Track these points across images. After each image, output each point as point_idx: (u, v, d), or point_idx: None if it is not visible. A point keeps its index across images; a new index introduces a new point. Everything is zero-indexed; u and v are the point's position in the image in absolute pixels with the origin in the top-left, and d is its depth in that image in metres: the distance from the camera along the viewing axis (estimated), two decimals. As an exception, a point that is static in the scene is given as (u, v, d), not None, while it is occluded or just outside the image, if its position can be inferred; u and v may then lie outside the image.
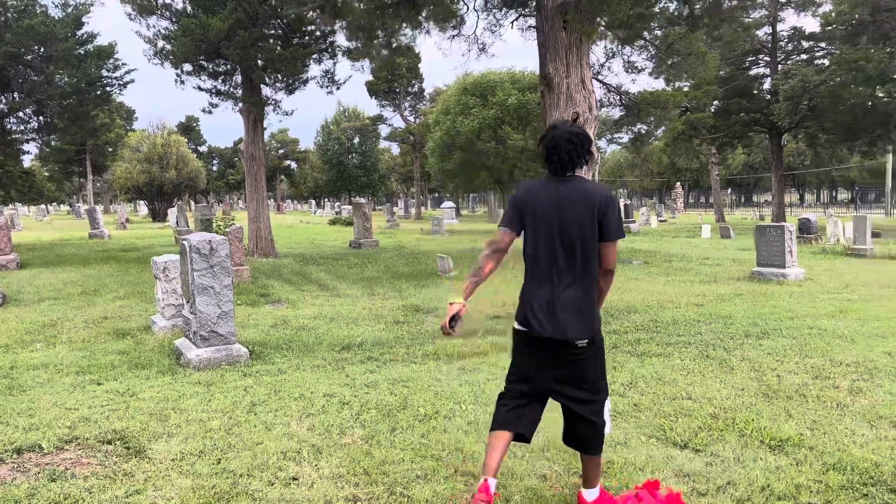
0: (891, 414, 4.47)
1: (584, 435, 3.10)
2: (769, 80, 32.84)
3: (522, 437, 3.12)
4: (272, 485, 3.60)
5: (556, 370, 3.04)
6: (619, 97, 19.67)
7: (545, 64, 8.50)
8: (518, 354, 3.16)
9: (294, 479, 3.68)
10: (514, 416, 3.10)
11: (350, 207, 36.72)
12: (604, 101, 19.71)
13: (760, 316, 8.32)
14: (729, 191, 72.24)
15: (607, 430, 3.11)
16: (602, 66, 18.76)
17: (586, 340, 2.98)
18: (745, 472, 3.58)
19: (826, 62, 29.35)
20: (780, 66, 32.43)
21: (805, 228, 21.17)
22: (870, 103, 27.07)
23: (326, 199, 69.98)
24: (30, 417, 4.77)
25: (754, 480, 3.47)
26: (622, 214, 2.93)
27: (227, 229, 13.03)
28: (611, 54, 17.94)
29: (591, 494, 3.16)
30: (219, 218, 23.33)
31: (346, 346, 7.10)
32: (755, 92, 32.73)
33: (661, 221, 39.43)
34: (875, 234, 19.36)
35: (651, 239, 24.83)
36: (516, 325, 3.11)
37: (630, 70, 17.94)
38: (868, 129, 28.54)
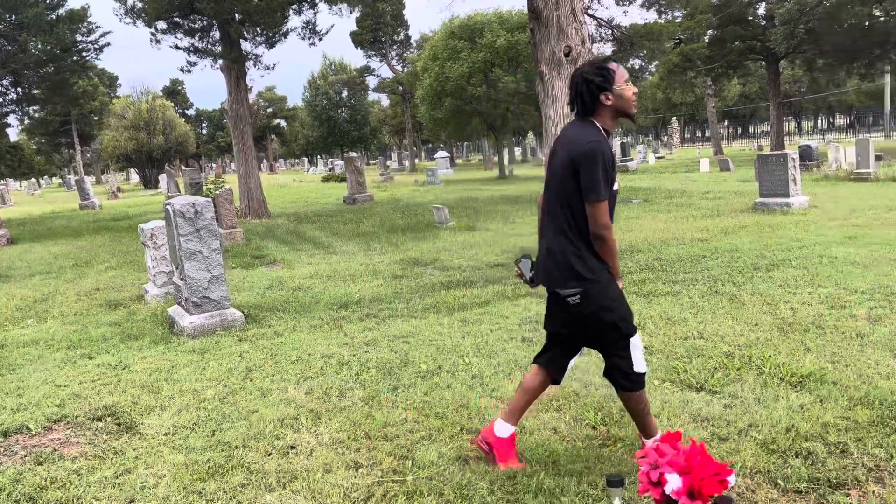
0: (914, 341, 4.27)
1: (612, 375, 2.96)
2: (764, 4, 31.91)
3: (555, 380, 3.08)
4: (269, 455, 3.42)
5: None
6: (610, 31, 19.08)
7: (533, -3, 8.04)
8: None
9: (292, 447, 3.49)
10: (545, 358, 3.09)
11: (343, 163, 36.18)
12: (594, 36, 19.09)
13: (768, 247, 8.08)
14: (725, 123, 71.27)
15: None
16: (592, -1, 18.13)
17: (577, 297, 2.78)
18: (768, 412, 3.39)
19: (822, -18, 28.44)
20: (774, -11, 31.47)
21: (806, 156, 20.79)
22: (867, 23, 26.35)
23: (319, 157, 69.10)
24: (18, 397, 4.59)
25: (778, 421, 3.27)
26: (600, 171, 2.67)
27: (217, 191, 12.74)
28: (601, -14, 17.29)
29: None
30: (210, 181, 22.92)
31: (343, 304, 6.89)
32: (750, 18, 31.83)
33: (658, 158, 38.93)
34: (877, 157, 18.99)
35: (650, 176, 24.48)
36: None
37: (621, 2, 17.35)
38: (866, 50, 27.85)
